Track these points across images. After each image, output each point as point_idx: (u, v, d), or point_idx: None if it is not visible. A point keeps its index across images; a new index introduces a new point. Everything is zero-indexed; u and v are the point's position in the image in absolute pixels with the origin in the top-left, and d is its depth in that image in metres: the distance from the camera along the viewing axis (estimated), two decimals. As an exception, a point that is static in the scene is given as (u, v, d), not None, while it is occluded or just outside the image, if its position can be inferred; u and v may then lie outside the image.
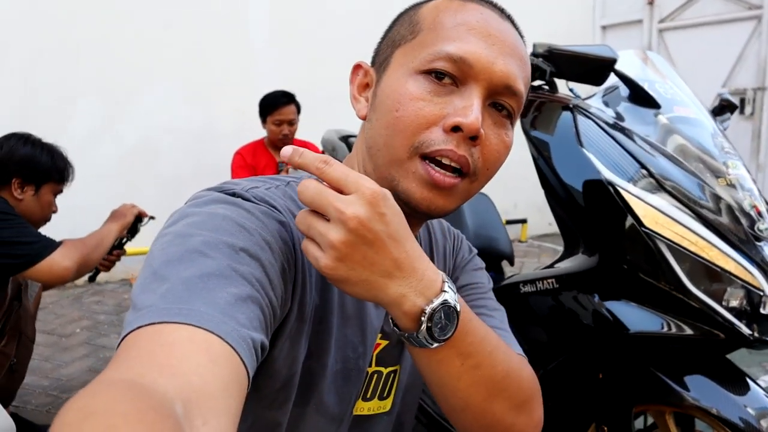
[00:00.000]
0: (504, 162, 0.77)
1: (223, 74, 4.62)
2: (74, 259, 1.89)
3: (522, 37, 0.78)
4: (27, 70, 4.06)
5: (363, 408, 0.87)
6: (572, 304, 1.40)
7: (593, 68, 1.39)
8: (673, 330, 1.26)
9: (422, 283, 0.64)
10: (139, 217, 2.28)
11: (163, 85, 4.47)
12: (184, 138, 4.56)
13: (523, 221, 5.99)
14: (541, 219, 6.05)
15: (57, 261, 1.84)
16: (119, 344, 0.51)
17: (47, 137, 2.00)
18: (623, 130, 1.37)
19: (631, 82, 1.44)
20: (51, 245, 1.85)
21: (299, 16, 4.86)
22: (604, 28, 6.67)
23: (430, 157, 0.69)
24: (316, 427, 0.80)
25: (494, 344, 0.76)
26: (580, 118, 1.38)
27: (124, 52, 4.32)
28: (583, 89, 1.55)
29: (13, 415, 2.22)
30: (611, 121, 1.39)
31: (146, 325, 0.51)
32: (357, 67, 0.82)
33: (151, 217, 2.30)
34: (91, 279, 2.28)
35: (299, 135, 3.93)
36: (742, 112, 5.51)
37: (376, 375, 0.86)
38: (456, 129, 0.68)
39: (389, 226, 0.61)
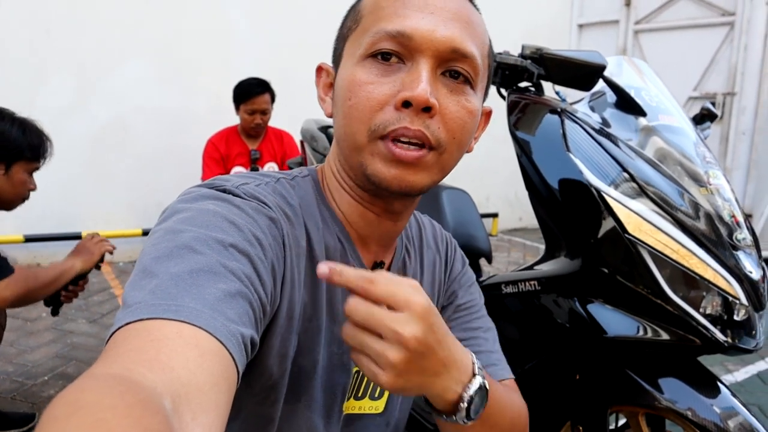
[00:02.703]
0: (472, 128, 0.76)
1: (198, 55, 4.55)
2: (16, 292, 1.80)
3: (472, 2, 0.78)
4: (-2, 44, 3.94)
5: (354, 407, 0.88)
6: (552, 306, 1.42)
7: (582, 74, 1.40)
8: (650, 335, 1.28)
9: (460, 372, 0.68)
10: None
11: (137, 63, 4.38)
12: (157, 118, 4.48)
13: (495, 215, 6.05)
14: (512, 213, 6.13)
15: None
16: (108, 340, 0.52)
17: (18, 112, 1.92)
18: (609, 136, 1.39)
19: (618, 88, 1.45)
20: None
21: (277, -2, 4.80)
22: (581, 26, 6.73)
23: (388, 138, 0.70)
24: (308, 424, 0.81)
25: (504, 399, 0.81)
26: (568, 123, 1.40)
27: (97, 29, 4.22)
28: (569, 92, 1.56)
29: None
30: (597, 127, 1.41)
31: (135, 321, 0.51)
32: (319, 69, 0.84)
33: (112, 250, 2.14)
34: (54, 313, 2.10)
35: (277, 121, 3.90)
36: (712, 116, 5.63)
37: (360, 373, 0.87)
38: (407, 104, 0.68)
39: (437, 334, 0.62)
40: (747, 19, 5.50)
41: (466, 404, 0.68)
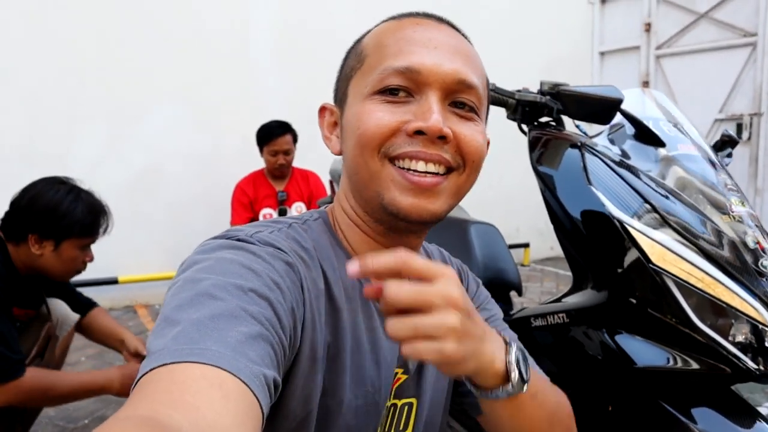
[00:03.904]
0: (485, 152, 0.79)
1: (227, 99, 4.68)
2: (10, 401, 1.73)
3: (466, 38, 0.82)
4: (33, 94, 4.13)
5: None
6: (582, 338, 1.43)
7: (600, 108, 1.44)
8: (680, 364, 1.28)
9: (496, 339, 0.70)
10: None
11: (167, 110, 4.53)
12: (189, 162, 4.61)
13: (526, 245, 6.02)
14: (543, 243, 6.09)
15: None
16: (133, 387, 0.53)
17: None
18: (629, 168, 1.41)
19: (636, 120, 1.48)
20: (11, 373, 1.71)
21: (300, 37, 4.94)
22: (602, 54, 6.75)
23: (399, 159, 0.72)
24: None
25: (545, 381, 0.84)
26: (588, 156, 1.42)
27: (128, 77, 4.39)
28: (589, 126, 1.60)
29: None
30: (618, 159, 1.43)
31: (159, 366, 0.52)
32: (322, 110, 0.87)
33: None
34: None
35: (305, 162, 3.97)
36: (739, 137, 5.57)
37: (392, 408, 0.88)
38: (419, 133, 0.71)
39: (468, 298, 0.65)
40: (765, 40, 5.47)
41: (515, 365, 0.69)
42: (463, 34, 0.82)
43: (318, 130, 0.89)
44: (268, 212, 3.84)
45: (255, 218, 3.84)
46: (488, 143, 0.88)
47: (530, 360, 0.96)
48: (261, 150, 3.80)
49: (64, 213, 1.80)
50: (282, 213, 3.85)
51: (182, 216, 4.57)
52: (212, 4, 4.68)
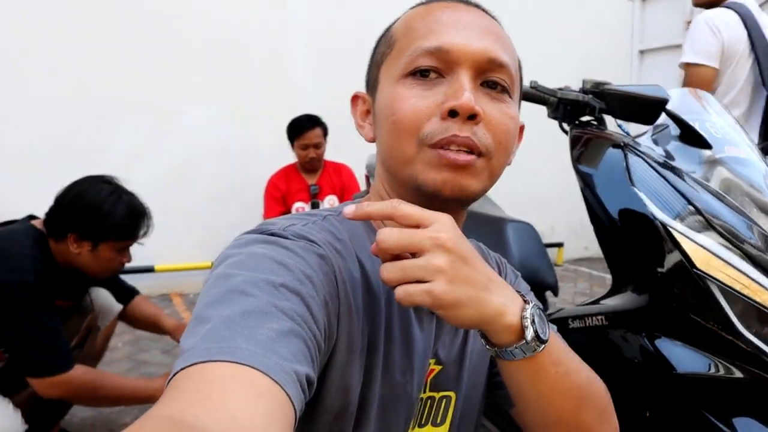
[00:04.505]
0: (515, 135, 0.78)
1: (262, 94, 4.72)
2: (62, 395, 1.79)
3: (496, 20, 0.81)
4: (76, 90, 4.22)
5: None
6: (620, 341, 1.40)
7: (644, 108, 1.41)
8: (722, 372, 1.25)
9: (510, 293, 0.68)
10: None
11: (203, 105, 4.59)
12: (224, 156, 4.66)
13: (560, 245, 5.95)
14: (578, 242, 6.02)
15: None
16: (166, 386, 0.53)
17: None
18: (673, 169, 1.38)
19: (681, 121, 1.45)
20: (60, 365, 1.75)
21: (338, 34, 4.95)
22: (642, 52, 6.62)
23: (438, 147, 0.72)
24: None
25: (572, 353, 0.80)
26: (631, 157, 1.40)
27: (167, 74, 4.46)
28: (632, 125, 1.57)
29: (62, 431, 2.29)
30: (661, 160, 1.40)
31: (189, 366, 0.52)
32: (354, 98, 0.88)
33: None
34: None
35: (341, 157, 3.98)
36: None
37: (429, 400, 0.87)
38: (453, 113, 0.71)
39: (467, 245, 0.65)
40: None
41: (529, 322, 0.67)
42: (492, 16, 0.82)
43: (353, 128, 0.89)
44: (300, 206, 3.86)
45: (287, 212, 3.86)
46: (522, 128, 0.87)
47: (554, 330, 0.93)
48: (292, 144, 3.83)
49: (105, 215, 1.82)
50: (314, 206, 3.87)
51: (217, 208, 4.62)
52: (248, 3, 4.72)
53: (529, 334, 0.67)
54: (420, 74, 0.74)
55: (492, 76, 0.75)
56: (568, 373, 0.75)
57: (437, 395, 0.88)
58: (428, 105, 0.72)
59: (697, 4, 2.86)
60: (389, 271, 0.63)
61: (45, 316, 1.74)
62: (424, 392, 0.86)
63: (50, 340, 1.74)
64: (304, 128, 3.74)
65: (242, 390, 0.49)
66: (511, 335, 0.67)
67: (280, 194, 3.85)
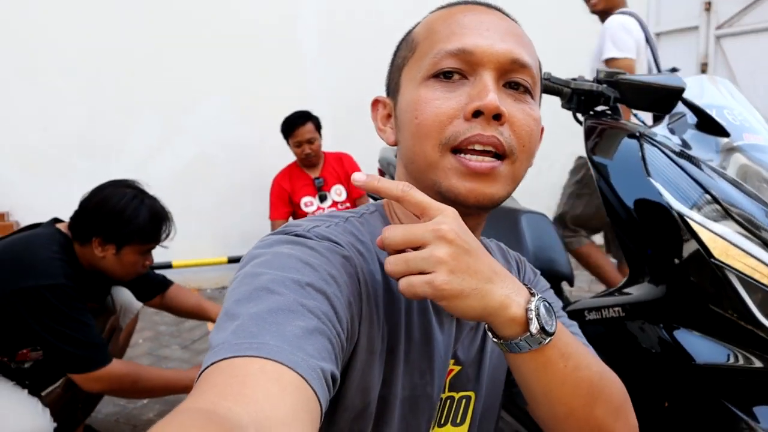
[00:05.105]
0: (538, 136, 0.78)
1: (274, 90, 4.71)
2: (104, 389, 1.85)
3: (517, 23, 0.81)
4: (91, 88, 4.25)
5: None
6: (638, 332, 1.40)
7: (660, 97, 1.39)
8: (741, 362, 1.24)
9: (516, 285, 0.68)
10: None
11: (216, 101, 4.59)
12: (237, 152, 4.67)
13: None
14: (592, 230, 5.96)
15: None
16: (196, 381, 0.54)
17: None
18: (690, 158, 1.37)
19: (698, 109, 1.43)
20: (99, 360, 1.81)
21: (348, 30, 4.93)
22: (658, 35, 6.53)
23: (462, 150, 0.72)
24: None
25: (583, 346, 0.79)
26: (647, 147, 1.38)
27: (179, 69, 4.47)
28: (647, 114, 1.55)
29: (87, 427, 2.33)
30: (678, 150, 1.38)
31: (219, 361, 0.53)
32: (375, 103, 0.87)
33: None
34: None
35: (353, 151, 3.98)
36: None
37: (449, 400, 0.88)
38: (477, 114, 0.70)
39: (471, 237, 0.65)
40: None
41: (534, 314, 0.66)
42: (513, 19, 0.82)
43: (365, 123, 0.89)
44: (308, 200, 3.87)
45: (295, 210, 3.88)
46: (542, 131, 0.86)
47: (573, 325, 0.94)
48: (288, 143, 3.83)
49: (128, 219, 1.85)
50: (322, 198, 3.88)
51: (231, 204, 4.64)
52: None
53: (534, 326, 0.66)
54: (443, 76, 0.74)
55: (515, 77, 0.75)
56: (578, 368, 0.74)
57: (457, 395, 0.89)
58: (452, 106, 0.72)
59: (594, 12, 3.36)
60: (393, 263, 0.64)
61: (79, 314, 1.78)
62: (444, 392, 0.86)
63: (88, 337, 1.79)
64: (296, 125, 3.74)
65: (271, 385, 0.51)
66: (517, 327, 0.67)
67: (286, 194, 3.85)
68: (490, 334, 0.71)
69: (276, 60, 4.73)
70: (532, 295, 0.69)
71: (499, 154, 0.72)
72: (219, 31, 4.55)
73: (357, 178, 0.66)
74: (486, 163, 0.71)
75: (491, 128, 0.71)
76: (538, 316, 0.67)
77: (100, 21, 4.23)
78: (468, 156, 0.72)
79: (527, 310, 0.67)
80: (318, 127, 3.81)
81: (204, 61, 4.52)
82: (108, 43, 4.25)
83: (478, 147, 0.71)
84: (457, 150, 0.72)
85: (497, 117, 0.71)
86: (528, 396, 0.78)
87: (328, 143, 4.14)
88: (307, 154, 3.76)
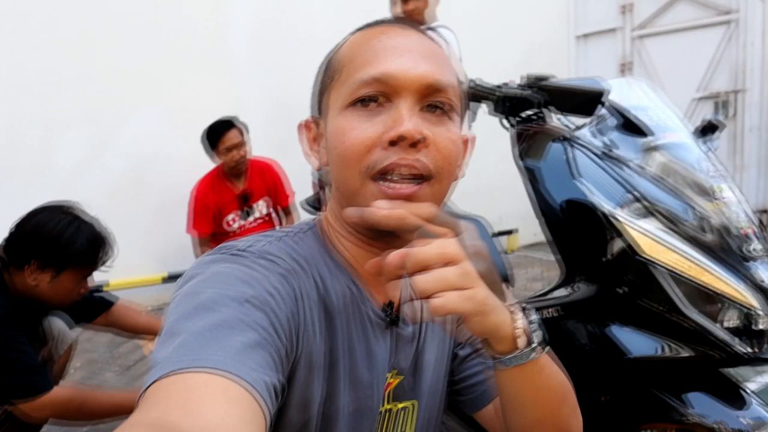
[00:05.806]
0: (458, 157, 0.79)
1: (205, 100, 4.61)
2: (47, 415, 1.77)
3: (434, 40, 0.81)
4: (9, 104, 4.02)
5: None
6: (575, 330, 1.44)
7: (583, 101, 1.44)
8: (671, 352, 1.30)
9: (510, 298, 0.72)
10: None
11: (145, 114, 4.44)
12: (168, 166, 4.53)
13: (510, 232, 6.04)
14: (526, 229, 6.11)
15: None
16: (139, 398, 0.54)
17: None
18: (614, 159, 1.42)
19: (621, 111, 1.48)
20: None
21: (280, 37, 4.89)
22: (579, 37, 6.76)
23: (384, 176, 0.72)
24: None
25: (551, 360, 0.82)
26: (573, 149, 1.43)
27: (105, 82, 4.29)
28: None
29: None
30: (602, 151, 1.44)
31: (163, 376, 0.54)
32: (301, 127, 0.87)
33: None
34: None
35: (287, 161, 3.93)
36: (716, 115, 5.61)
37: (387, 413, 0.88)
38: (393, 143, 0.71)
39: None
40: (744, 17, 5.52)
41: (537, 327, 0.72)
42: (429, 37, 0.81)
43: (296, 129, 0.88)
44: (232, 217, 3.74)
45: (219, 229, 3.73)
46: (473, 140, 0.87)
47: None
48: (215, 152, 3.70)
49: (65, 244, 1.78)
50: (247, 214, 3.78)
51: (165, 219, 4.49)
52: (190, 7, 4.62)
53: (537, 336, 0.72)
54: (361, 104, 0.74)
55: (433, 100, 0.75)
56: (553, 375, 0.79)
57: (397, 407, 0.89)
58: (369, 136, 0.72)
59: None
60: (430, 281, 0.62)
61: (18, 339, 1.71)
62: (384, 405, 0.87)
63: (30, 361, 1.72)
64: (222, 131, 3.62)
65: (217, 398, 0.51)
66: (517, 342, 0.71)
67: (210, 212, 3.69)
68: (486, 349, 0.74)
69: (208, 70, 4.64)
70: (524, 310, 0.73)
71: (421, 177, 0.73)
72: (149, 42, 4.43)
73: (350, 212, 0.70)
74: (404, 189, 0.72)
75: (411, 154, 0.71)
76: (540, 330, 0.72)
77: (19, 33, 4.04)
78: (388, 183, 0.72)
79: (530, 323, 0.72)
80: (243, 132, 3.72)
81: (133, 73, 4.37)
82: (27, 55, 4.05)
83: (399, 172, 0.71)
84: (379, 176, 0.72)
85: (414, 145, 0.71)
86: (512, 405, 0.80)
87: (264, 153, 4.06)
88: (237, 161, 3.65)
